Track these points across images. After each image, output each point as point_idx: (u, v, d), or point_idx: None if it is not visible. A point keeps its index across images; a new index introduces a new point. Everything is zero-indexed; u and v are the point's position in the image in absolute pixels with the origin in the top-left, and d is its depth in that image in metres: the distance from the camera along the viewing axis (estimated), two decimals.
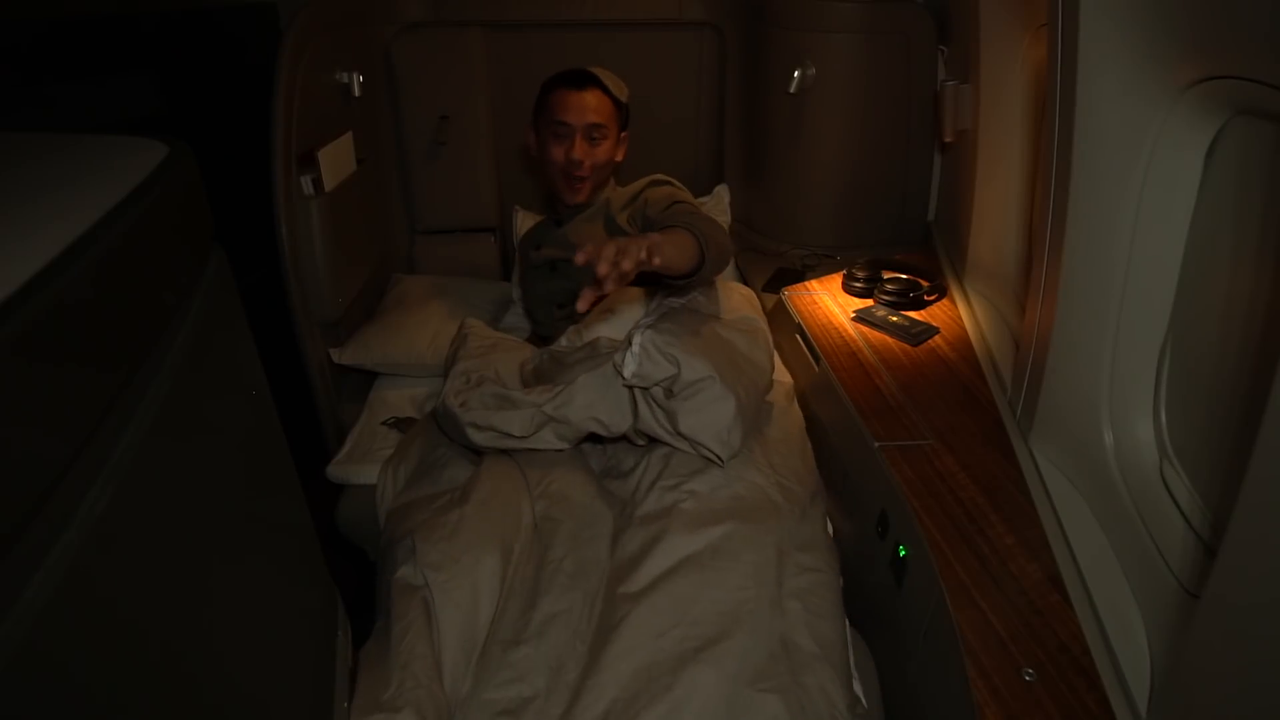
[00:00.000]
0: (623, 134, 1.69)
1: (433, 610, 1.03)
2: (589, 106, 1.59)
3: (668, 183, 1.62)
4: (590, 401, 1.23)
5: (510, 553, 1.12)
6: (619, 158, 1.70)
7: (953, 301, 1.62)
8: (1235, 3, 0.72)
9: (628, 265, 1.04)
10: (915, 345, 1.47)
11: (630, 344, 1.20)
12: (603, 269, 1.02)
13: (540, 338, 1.73)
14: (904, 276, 1.66)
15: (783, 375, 1.58)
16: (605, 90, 1.62)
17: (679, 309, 1.38)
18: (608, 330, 1.48)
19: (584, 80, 1.61)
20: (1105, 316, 0.99)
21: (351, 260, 1.70)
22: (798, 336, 1.59)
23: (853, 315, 1.58)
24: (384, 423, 1.64)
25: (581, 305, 1.07)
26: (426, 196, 2.14)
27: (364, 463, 1.53)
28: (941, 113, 1.70)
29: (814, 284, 1.76)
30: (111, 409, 0.51)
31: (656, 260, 1.08)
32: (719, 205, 2.08)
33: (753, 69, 2.02)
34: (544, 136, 1.65)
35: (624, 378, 1.20)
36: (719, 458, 1.20)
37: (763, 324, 1.53)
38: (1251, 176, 0.83)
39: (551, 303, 1.71)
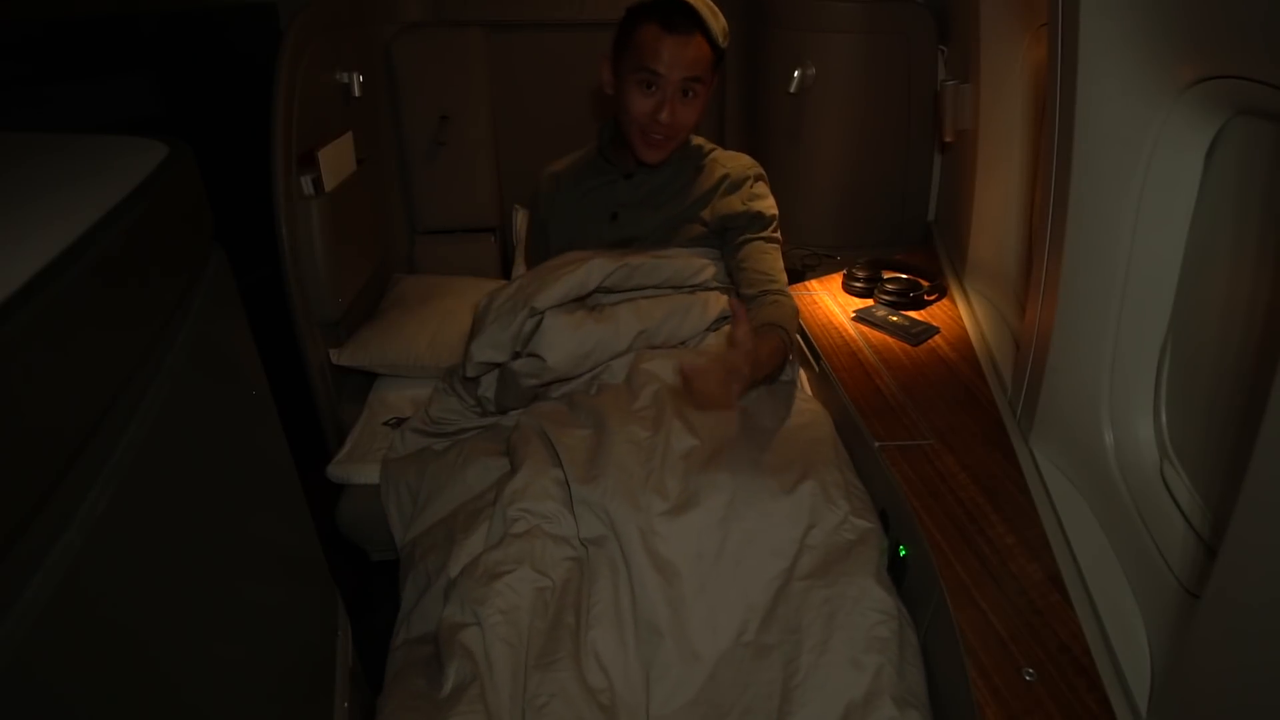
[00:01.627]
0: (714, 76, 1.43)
1: (483, 648, 1.00)
2: (688, 57, 1.31)
3: (767, 197, 1.49)
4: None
5: (552, 581, 1.08)
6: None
7: (953, 301, 1.62)
8: (1235, 3, 0.72)
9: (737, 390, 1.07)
10: (915, 345, 1.47)
11: None
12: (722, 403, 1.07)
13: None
14: (904, 276, 1.66)
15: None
16: (708, 35, 1.33)
17: None
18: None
19: (686, 21, 1.31)
20: (1105, 316, 0.99)
21: (351, 260, 1.70)
22: (798, 336, 1.59)
23: (853, 315, 1.58)
24: (385, 423, 1.64)
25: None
26: (426, 196, 2.13)
27: (364, 463, 1.53)
28: (941, 113, 1.70)
29: (814, 284, 1.76)
30: (111, 409, 0.51)
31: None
32: None
33: (753, 69, 2.02)
34: (626, 80, 1.37)
35: None
36: None
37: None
38: (1251, 176, 0.83)
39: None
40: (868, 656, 0.96)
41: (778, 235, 1.50)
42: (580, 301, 1.39)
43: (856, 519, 1.11)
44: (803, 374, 1.53)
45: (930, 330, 1.50)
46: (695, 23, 1.32)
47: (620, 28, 1.40)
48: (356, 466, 1.53)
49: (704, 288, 1.47)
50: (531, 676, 0.97)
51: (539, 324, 1.31)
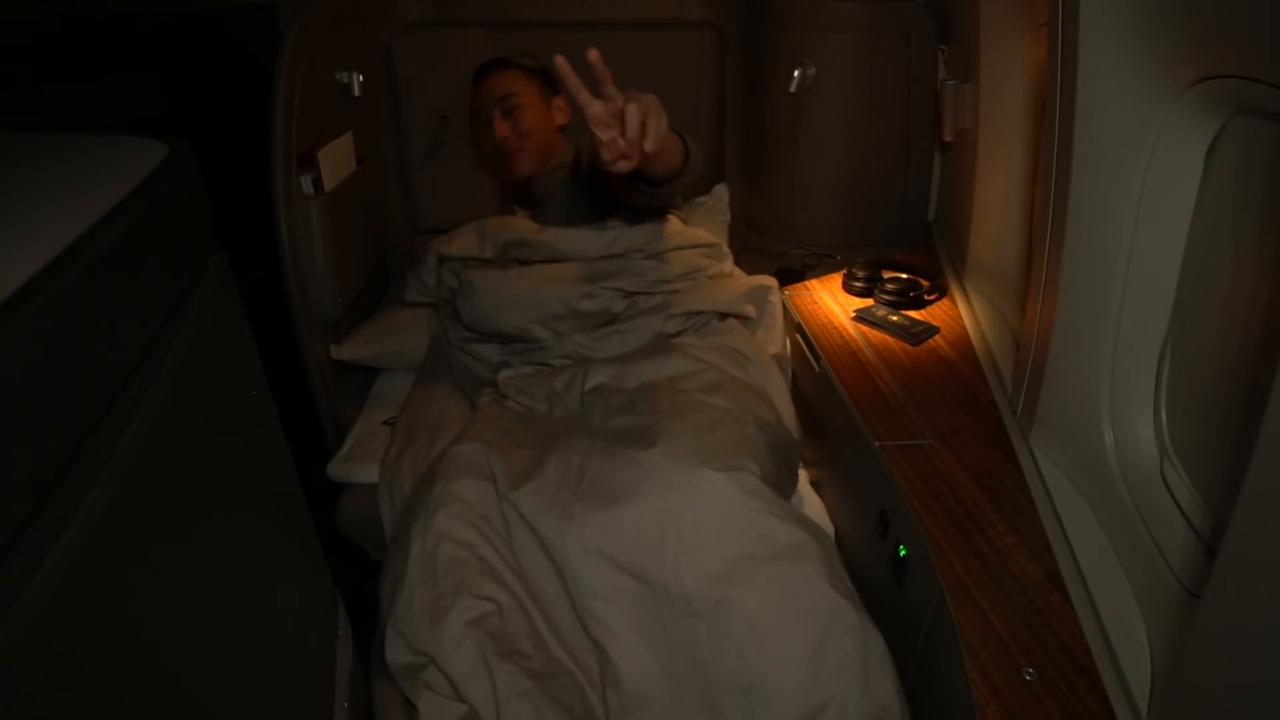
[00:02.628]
0: (555, 98, 1.69)
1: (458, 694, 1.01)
2: (496, 87, 1.63)
3: None
4: None
5: (496, 603, 1.07)
6: (561, 120, 1.70)
7: (953, 301, 1.62)
8: (1235, 2, 0.72)
9: (650, 138, 1.02)
10: (915, 345, 1.47)
11: None
12: (631, 137, 1.02)
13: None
14: (904, 276, 1.66)
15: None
16: (511, 63, 1.67)
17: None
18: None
19: (489, 66, 1.67)
20: (1105, 316, 0.99)
21: (352, 260, 1.70)
22: (798, 336, 1.59)
23: (853, 315, 1.58)
24: (384, 422, 1.64)
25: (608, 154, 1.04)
26: (426, 196, 2.13)
27: (364, 462, 1.53)
28: (941, 112, 1.70)
29: (814, 283, 1.76)
30: (112, 409, 0.51)
31: (649, 145, 1.03)
32: (718, 205, 2.07)
33: (753, 69, 2.01)
34: (475, 130, 1.77)
35: None
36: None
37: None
38: (1251, 176, 0.83)
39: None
40: (831, 685, 0.97)
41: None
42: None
43: (799, 518, 1.11)
44: (752, 358, 1.47)
45: (930, 330, 1.50)
46: (498, 63, 1.66)
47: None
48: (356, 466, 1.53)
49: (681, 248, 1.59)
50: None
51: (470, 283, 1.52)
